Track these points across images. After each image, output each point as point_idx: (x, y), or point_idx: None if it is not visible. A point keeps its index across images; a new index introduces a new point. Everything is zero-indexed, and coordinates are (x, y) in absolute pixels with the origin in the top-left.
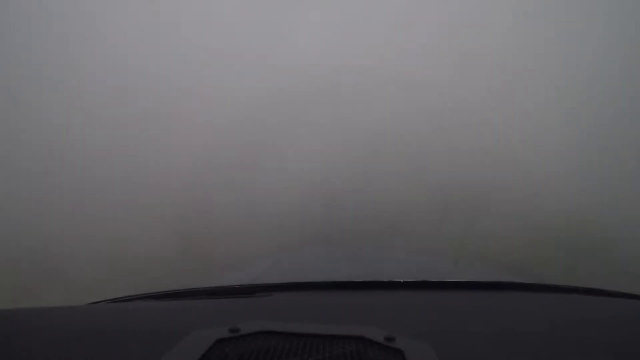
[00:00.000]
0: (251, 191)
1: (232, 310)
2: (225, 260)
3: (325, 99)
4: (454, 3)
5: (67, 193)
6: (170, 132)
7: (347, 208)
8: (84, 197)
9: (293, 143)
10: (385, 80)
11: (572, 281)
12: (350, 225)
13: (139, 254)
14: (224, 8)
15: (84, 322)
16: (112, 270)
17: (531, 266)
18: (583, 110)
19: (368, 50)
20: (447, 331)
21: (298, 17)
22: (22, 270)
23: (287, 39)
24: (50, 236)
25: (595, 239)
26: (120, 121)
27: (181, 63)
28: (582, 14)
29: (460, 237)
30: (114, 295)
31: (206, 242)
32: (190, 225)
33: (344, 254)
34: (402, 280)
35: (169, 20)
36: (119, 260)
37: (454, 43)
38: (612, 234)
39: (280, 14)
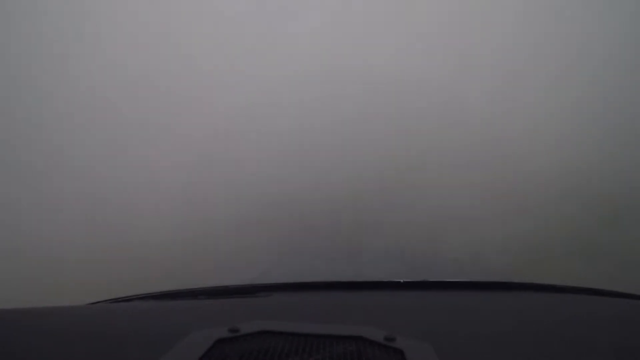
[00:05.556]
0: (252, 193)
1: (232, 310)
2: (225, 261)
3: (325, 100)
4: (453, 2)
5: (66, 193)
6: (169, 133)
7: (348, 210)
8: (83, 197)
9: (294, 143)
10: (383, 79)
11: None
12: (353, 230)
13: (139, 254)
14: (224, 7)
15: (83, 322)
16: (112, 270)
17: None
18: (585, 107)
19: (367, 50)
20: (447, 331)
21: (297, 17)
22: (21, 272)
23: (286, 39)
24: (49, 236)
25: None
26: (121, 121)
27: (179, 65)
28: (585, 11)
29: (458, 242)
30: (114, 295)
31: (207, 242)
32: (191, 226)
33: (344, 255)
34: (402, 280)
35: (169, 21)
36: (119, 260)
37: (453, 41)
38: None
39: (279, 13)
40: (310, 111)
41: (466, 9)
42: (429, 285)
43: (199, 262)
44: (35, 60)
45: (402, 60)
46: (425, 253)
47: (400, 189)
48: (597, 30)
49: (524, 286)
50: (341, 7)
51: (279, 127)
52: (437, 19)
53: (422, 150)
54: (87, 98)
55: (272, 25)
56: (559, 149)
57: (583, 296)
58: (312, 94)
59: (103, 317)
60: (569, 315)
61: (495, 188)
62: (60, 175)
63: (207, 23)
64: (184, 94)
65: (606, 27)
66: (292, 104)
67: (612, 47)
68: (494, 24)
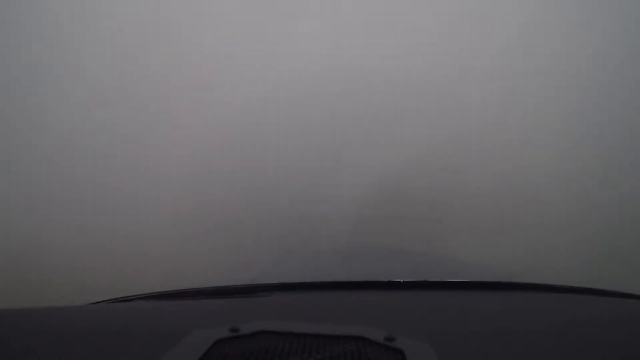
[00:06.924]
0: (251, 191)
1: (232, 310)
2: (226, 260)
3: (325, 100)
4: (453, 2)
5: (65, 192)
6: (171, 132)
7: (348, 210)
8: (84, 197)
9: (293, 143)
10: (383, 80)
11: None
12: (352, 230)
13: (139, 254)
14: (224, 8)
15: (84, 322)
16: (112, 270)
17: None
18: (586, 109)
19: (367, 50)
20: (447, 331)
21: (297, 17)
22: (21, 271)
23: (287, 40)
24: (49, 236)
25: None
26: (120, 120)
27: (181, 63)
28: (586, 15)
29: (456, 246)
30: (114, 295)
31: (207, 241)
32: (190, 226)
33: (344, 254)
34: (402, 280)
35: (169, 21)
36: (119, 260)
37: (453, 42)
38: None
39: (279, 14)
40: (310, 111)
41: (466, 12)
42: (429, 285)
43: (198, 258)
44: (33, 59)
45: (403, 61)
46: (425, 254)
47: (399, 189)
48: (598, 33)
49: (524, 286)
50: (342, 9)
51: (280, 126)
52: (437, 20)
53: (422, 152)
54: (89, 94)
55: (273, 26)
56: (560, 151)
57: (583, 296)
58: (313, 93)
59: (104, 317)
60: (569, 315)
61: (494, 188)
62: (60, 171)
63: (210, 23)
64: (186, 92)
65: (608, 30)
66: (292, 103)
67: (613, 49)
68: (494, 27)
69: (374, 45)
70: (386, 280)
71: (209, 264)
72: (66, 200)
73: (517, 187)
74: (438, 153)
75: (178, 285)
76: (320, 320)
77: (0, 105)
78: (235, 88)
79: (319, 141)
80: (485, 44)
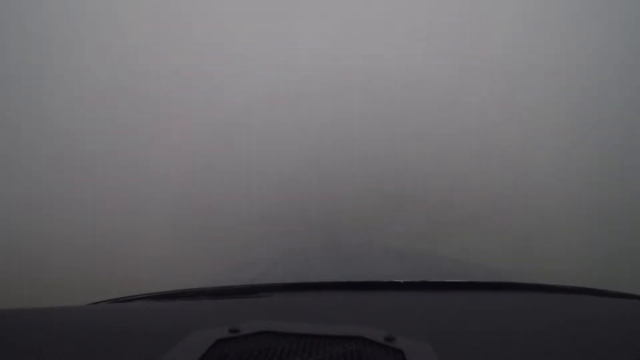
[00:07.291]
0: (250, 191)
1: (232, 311)
2: (226, 260)
3: (325, 99)
4: (454, 2)
5: (66, 192)
6: (170, 132)
7: (348, 210)
8: (83, 197)
9: (292, 142)
10: (383, 79)
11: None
12: (352, 230)
13: (139, 254)
14: (224, 8)
15: (84, 322)
16: (112, 270)
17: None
18: (587, 108)
19: (367, 50)
20: (447, 331)
21: (297, 18)
22: (21, 271)
23: (287, 40)
24: (50, 236)
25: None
26: (120, 120)
27: (181, 63)
28: (584, 12)
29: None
30: (114, 295)
31: (206, 242)
32: (190, 226)
33: (344, 254)
34: (402, 281)
35: (170, 22)
36: (119, 260)
37: (453, 42)
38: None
39: (279, 13)
40: (311, 110)
41: (466, 12)
42: (429, 286)
43: (198, 258)
44: (37, 57)
45: (403, 61)
46: (425, 254)
47: (400, 189)
48: (598, 33)
49: (524, 286)
50: (344, 9)
51: (280, 126)
52: (439, 21)
53: (423, 152)
54: (89, 95)
55: (273, 26)
56: (560, 151)
57: (583, 296)
58: (313, 93)
59: (104, 317)
60: (569, 315)
61: (495, 188)
62: (61, 171)
63: (211, 24)
64: (186, 92)
65: (608, 30)
66: (292, 103)
67: (613, 49)
68: (494, 27)
69: (374, 45)
70: (386, 280)
71: (209, 264)
72: (66, 200)
73: (517, 187)
74: (438, 153)
75: (178, 285)
76: (320, 321)
77: (0, 105)
78: (235, 88)
79: (318, 141)
80: (485, 44)
